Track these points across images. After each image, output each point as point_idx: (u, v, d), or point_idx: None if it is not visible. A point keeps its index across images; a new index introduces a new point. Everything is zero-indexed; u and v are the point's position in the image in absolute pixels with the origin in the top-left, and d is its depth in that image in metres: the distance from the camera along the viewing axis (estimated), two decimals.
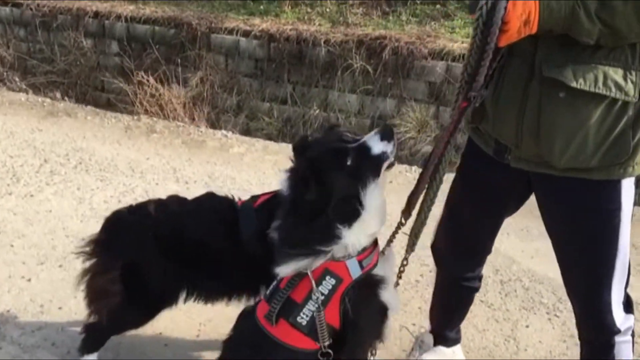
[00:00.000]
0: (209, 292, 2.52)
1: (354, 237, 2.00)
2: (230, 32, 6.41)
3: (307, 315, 2.04)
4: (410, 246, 2.25)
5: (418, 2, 6.43)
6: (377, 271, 2.11)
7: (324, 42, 6.09)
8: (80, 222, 3.90)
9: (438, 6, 6.39)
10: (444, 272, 2.52)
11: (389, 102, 5.95)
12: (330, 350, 2.07)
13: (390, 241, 2.24)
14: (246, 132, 6.29)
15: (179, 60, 6.56)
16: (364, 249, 2.04)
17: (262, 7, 6.80)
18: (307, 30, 6.23)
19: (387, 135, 2.03)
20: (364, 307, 2.09)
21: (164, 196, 2.54)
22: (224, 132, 5.79)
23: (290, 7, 6.71)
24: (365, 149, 2.01)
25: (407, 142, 5.74)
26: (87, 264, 2.46)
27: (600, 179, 1.90)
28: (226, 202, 2.50)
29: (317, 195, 1.93)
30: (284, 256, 2.05)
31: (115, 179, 4.57)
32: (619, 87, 1.77)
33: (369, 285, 2.09)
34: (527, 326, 3.04)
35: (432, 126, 5.73)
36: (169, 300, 2.47)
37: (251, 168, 4.98)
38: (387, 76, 5.92)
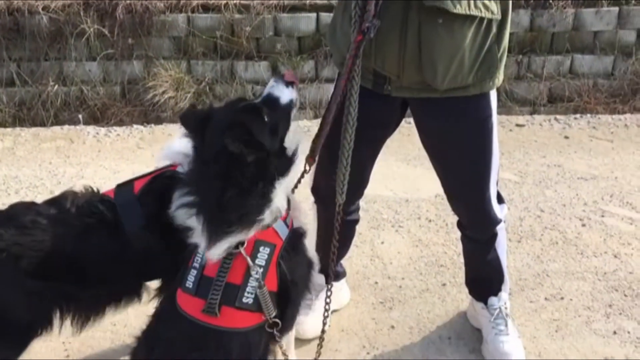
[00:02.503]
0: (90, 305, 2.21)
1: (281, 196, 1.96)
2: None
3: (251, 294, 1.96)
4: (340, 194, 2.22)
5: None
6: (296, 224, 2.10)
7: (43, 9, 5.41)
8: None
9: None
10: (328, 211, 2.51)
11: (136, 64, 5.58)
12: (277, 320, 2.03)
13: (293, 189, 2.20)
14: None
15: None
16: None
17: None
18: None
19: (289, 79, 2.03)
20: (297, 264, 2.09)
21: None
22: None
23: None
24: (274, 100, 1.99)
25: (167, 102, 5.51)
26: None
27: (475, 93, 2.17)
28: (95, 198, 2.19)
29: (257, 157, 1.84)
30: (215, 237, 1.90)
31: None
32: (486, 7, 2.03)
33: (297, 241, 2.09)
34: (382, 242, 3.31)
35: (189, 82, 5.59)
36: (40, 328, 2.13)
37: (31, 162, 4.34)
38: (127, 37, 5.54)
